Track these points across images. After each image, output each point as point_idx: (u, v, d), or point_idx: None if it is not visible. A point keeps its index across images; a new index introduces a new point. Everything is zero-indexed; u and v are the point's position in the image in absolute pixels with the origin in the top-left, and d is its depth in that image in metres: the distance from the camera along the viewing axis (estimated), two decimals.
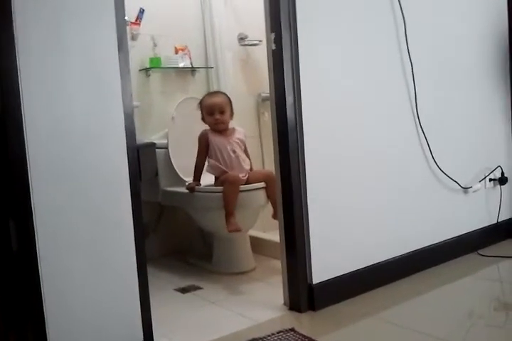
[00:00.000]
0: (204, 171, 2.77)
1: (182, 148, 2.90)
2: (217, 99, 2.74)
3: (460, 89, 2.73)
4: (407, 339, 1.86)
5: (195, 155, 2.77)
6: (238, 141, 2.77)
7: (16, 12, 1.48)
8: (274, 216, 2.62)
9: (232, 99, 2.81)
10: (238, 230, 2.53)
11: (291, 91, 2.09)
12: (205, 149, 2.75)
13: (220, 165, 2.69)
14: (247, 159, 2.81)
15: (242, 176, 2.68)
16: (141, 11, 2.98)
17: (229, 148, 2.72)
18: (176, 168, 2.89)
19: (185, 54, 3.13)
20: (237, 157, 2.73)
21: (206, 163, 2.76)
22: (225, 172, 2.67)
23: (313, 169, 2.13)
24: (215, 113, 2.71)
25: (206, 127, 2.78)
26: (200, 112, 2.79)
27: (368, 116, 2.32)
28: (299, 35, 2.07)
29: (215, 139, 2.73)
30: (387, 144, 2.40)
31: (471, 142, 2.80)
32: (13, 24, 1.48)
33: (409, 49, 2.42)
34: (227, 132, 2.77)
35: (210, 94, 2.84)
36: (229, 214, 2.54)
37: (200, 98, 2.83)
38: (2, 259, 1.54)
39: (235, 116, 2.80)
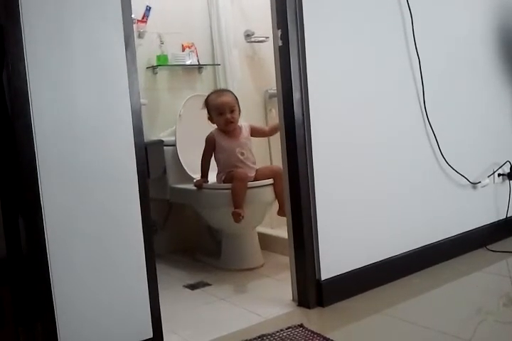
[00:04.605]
0: (211, 168, 2.77)
1: (190, 145, 2.90)
2: (227, 98, 2.69)
3: (468, 84, 2.72)
4: (416, 335, 1.86)
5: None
6: (246, 140, 2.74)
7: (23, 12, 1.49)
8: (280, 212, 2.62)
9: (239, 96, 2.80)
10: (240, 214, 2.50)
11: (298, 87, 2.09)
12: (210, 152, 2.73)
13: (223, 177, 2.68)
14: (254, 158, 2.77)
15: (250, 175, 2.67)
16: (148, 9, 2.98)
17: (237, 150, 2.69)
18: (183, 165, 2.90)
19: (192, 51, 3.13)
20: (246, 159, 2.70)
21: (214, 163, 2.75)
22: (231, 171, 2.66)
23: (321, 165, 2.13)
24: (225, 112, 2.66)
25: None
26: (205, 111, 2.75)
27: (375, 111, 2.32)
28: (305, 31, 2.07)
29: (224, 143, 2.69)
30: (395, 140, 2.39)
31: (479, 137, 2.79)
32: (21, 25, 1.49)
33: (416, 44, 2.40)
34: (235, 132, 2.73)
35: (217, 93, 2.77)
36: (237, 208, 2.52)
37: (207, 95, 2.80)
38: (12, 257, 1.55)
39: (242, 113, 2.80)
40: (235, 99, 2.72)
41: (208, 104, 2.74)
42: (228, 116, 2.67)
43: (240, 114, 2.74)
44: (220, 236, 2.83)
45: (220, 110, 2.68)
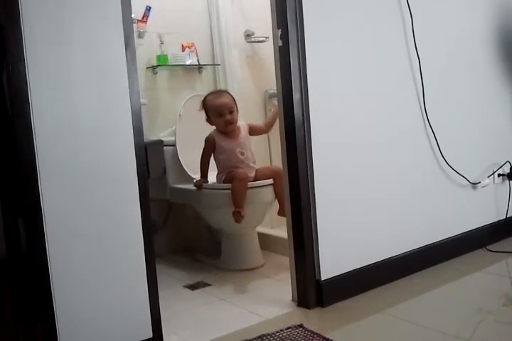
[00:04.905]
0: (210, 168, 2.77)
1: (189, 145, 2.90)
2: (225, 100, 2.68)
3: (468, 84, 2.72)
4: (416, 335, 1.86)
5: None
6: (245, 140, 2.74)
7: (23, 12, 1.49)
8: (280, 212, 2.62)
9: (239, 96, 2.80)
10: (241, 214, 2.50)
11: (298, 87, 2.09)
12: (210, 153, 2.73)
13: (223, 176, 2.68)
14: (254, 157, 2.78)
15: (251, 175, 2.67)
16: (148, 9, 2.98)
17: (238, 150, 2.68)
18: (183, 165, 2.90)
19: (192, 51, 3.13)
20: (246, 158, 2.70)
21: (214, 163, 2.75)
22: (231, 171, 2.66)
23: (321, 165, 2.13)
24: (225, 114, 2.65)
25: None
26: (203, 113, 2.74)
27: (375, 111, 2.32)
28: (305, 31, 2.07)
29: (224, 144, 2.69)
30: (395, 140, 2.39)
31: (479, 137, 2.79)
32: (21, 25, 1.49)
33: (416, 44, 2.40)
34: (234, 133, 2.73)
35: (214, 94, 2.76)
36: (237, 208, 2.52)
37: (204, 97, 2.78)
38: (13, 257, 1.55)
39: (242, 113, 2.79)
40: (232, 100, 2.71)
41: (205, 105, 2.73)
42: (228, 117, 2.66)
43: (237, 114, 2.73)
44: (220, 236, 2.83)
45: (220, 111, 2.67)
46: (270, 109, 3.35)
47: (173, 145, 2.90)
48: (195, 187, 2.72)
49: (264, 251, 2.81)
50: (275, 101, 2.86)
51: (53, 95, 1.55)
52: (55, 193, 1.56)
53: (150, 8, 2.98)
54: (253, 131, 2.82)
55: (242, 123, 2.80)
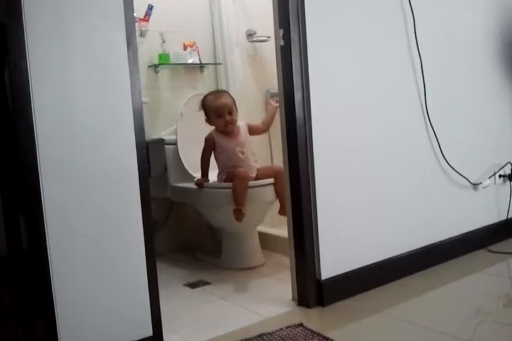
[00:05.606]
0: (211, 167, 2.77)
1: (191, 144, 2.90)
2: (225, 100, 2.67)
3: (469, 85, 2.71)
4: (416, 335, 1.86)
5: None
6: (245, 139, 2.74)
7: (26, 10, 1.49)
8: (281, 212, 2.62)
9: (240, 96, 2.79)
10: (242, 212, 2.49)
11: (300, 87, 2.08)
12: (210, 152, 2.73)
13: (224, 175, 2.68)
14: (255, 157, 2.77)
15: (252, 174, 2.67)
16: (150, 8, 2.98)
17: (237, 149, 2.68)
18: (184, 164, 2.90)
19: (194, 50, 3.13)
20: (246, 157, 2.70)
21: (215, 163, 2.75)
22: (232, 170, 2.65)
23: (322, 165, 2.13)
24: (224, 114, 2.65)
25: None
26: (202, 113, 2.74)
27: (377, 111, 2.31)
28: (307, 31, 2.06)
29: (223, 143, 2.69)
30: (397, 140, 2.39)
31: (480, 138, 2.78)
32: (24, 24, 1.49)
33: (418, 44, 2.40)
34: (234, 132, 2.73)
35: (214, 94, 2.75)
36: (238, 206, 2.52)
37: (203, 97, 2.78)
38: (14, 258, 1.55)
39: (243, 112, 2.79)
40: (232, 100, 2.71)
41: (205, 106, 2.73)
42: (228, 118, 2.66)
43: (237, 114, 2.73)
44: (221, 235, 2.83)
45: (219, 112, 2.66)
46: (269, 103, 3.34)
47: (175, 143, 2.90)
48: (196, 186, 2.72)
49: (264, 251, 2.81)
50: (271, 101, 2.88)
51: (55, 94, 1.55)
52: (55, 194, 1.56)
53: (152, 6, 2.98)
54: (252, 130, 2.83)
55: (241, 122, 2.80)
